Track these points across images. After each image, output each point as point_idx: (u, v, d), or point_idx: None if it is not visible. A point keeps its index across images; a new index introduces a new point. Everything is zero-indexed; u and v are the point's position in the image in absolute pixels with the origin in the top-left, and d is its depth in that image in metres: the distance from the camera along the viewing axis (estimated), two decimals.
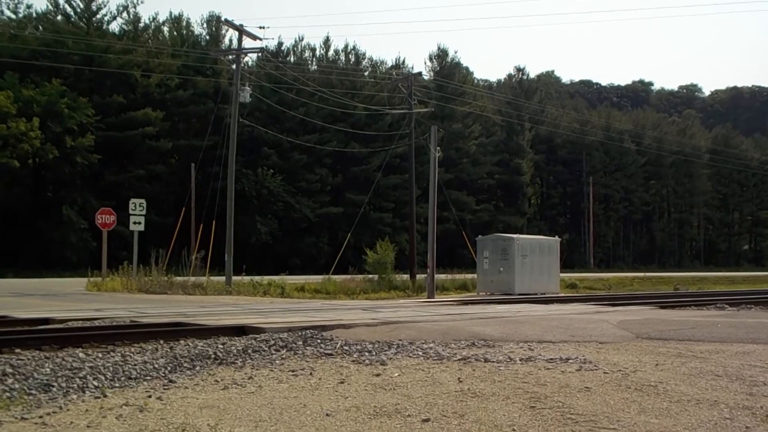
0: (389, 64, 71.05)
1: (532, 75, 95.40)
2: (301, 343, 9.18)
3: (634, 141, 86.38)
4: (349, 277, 32.16)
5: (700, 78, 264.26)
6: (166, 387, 6.47)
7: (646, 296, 26.43)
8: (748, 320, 12.93)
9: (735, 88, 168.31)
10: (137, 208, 28.85)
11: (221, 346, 8.75)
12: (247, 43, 30.63)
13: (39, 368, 7.02)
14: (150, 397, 6.03)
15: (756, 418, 5.32)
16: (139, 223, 28.66)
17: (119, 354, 8.14)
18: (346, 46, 69.13)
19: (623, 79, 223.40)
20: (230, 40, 58.84)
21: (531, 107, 76.61)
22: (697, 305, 18.86)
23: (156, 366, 7.44)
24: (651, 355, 8.38)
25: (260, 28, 49.12)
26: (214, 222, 32.03)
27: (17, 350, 8.14)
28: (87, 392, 6.22)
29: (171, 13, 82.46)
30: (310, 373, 7.14)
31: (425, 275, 28.83)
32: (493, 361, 7.81)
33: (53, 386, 6.32)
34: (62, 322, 11.75)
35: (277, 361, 7.90)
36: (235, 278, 28.17)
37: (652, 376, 6.90)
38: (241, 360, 7.98)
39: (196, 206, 41.50)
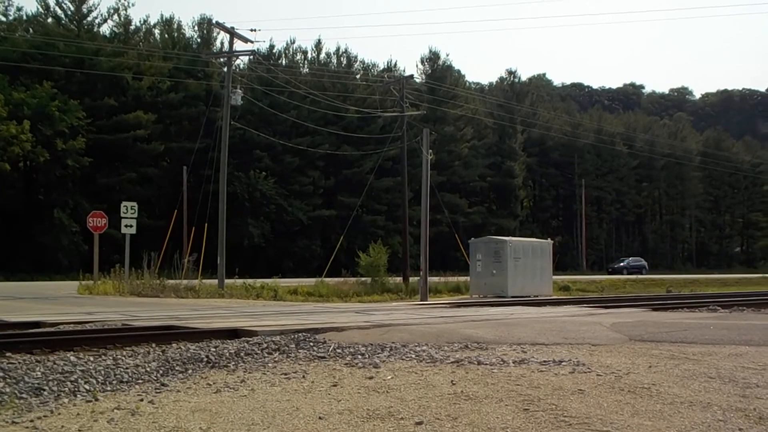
0: (381, 67, 71.15)
1: (524, 78, 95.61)
2: (293, 346, 9.15)
3: (626, 144, 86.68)
4: (341, 279, 32.12)
5: (690, 81, 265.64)
6: (158, 390, 6.44)
7: (638, 298, 26.50)
8: (741, 322, 12.97)
9: (726, 91, 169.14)
10: (129, 211, 28.74)
11: (213, 350, 8.72)
12: (239, 45, 30.73)
13: (30, 372, 6.97)
14: (142, 400, 6.00)
15: (749, 420, 5.33)
16: (131, 226, 28.55)
17: (111, 357, 8.10)
18: (338, 49, 69.22)
19: (614, 82, 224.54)
20: (221, 43, 58.87)
21: (523, 110, 76.78)
22: (690, 307, 18.92)
23: (148, 369, 7.40)
24: (644, 357, 8.39)
25: (251, 30, 48.78)
26: (206, 225, 31.97)
27: (8, 354, 8.09)
28: (78, 396, 6.19)
29: (162, 15, 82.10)
30: (303, 376, 7.12)
31: (418, 278, 28.83)
32: (486, 364, 7.81)
33: (44, 390, 6.28)
34: (53, 325, 11.69)
35: (269, 364, 7.87)
36: (227, 281, 28.11)
37: (645, 379, 6.90)
38: (233, 363, 7.95)
39: (188, 209, 41.38)
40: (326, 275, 33.83)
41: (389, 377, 7.06)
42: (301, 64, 67.27)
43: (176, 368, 7.58)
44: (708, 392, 6.28)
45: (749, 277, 57.10)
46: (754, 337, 10.26)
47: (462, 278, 34.14)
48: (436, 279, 33.91)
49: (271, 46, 63.98)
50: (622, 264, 67.93)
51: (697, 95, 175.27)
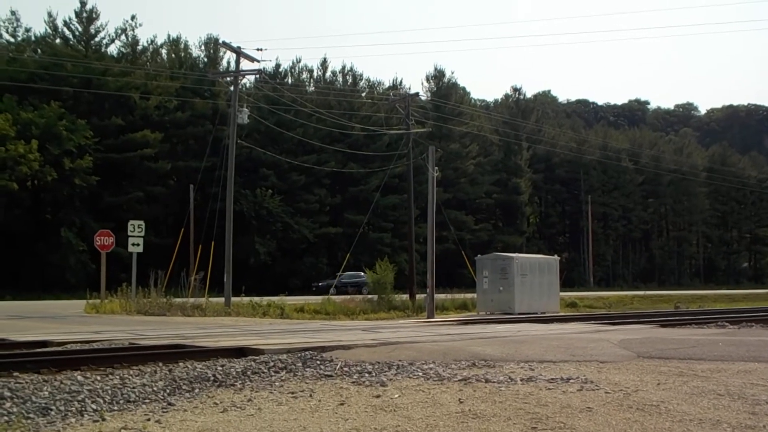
0: (386, 84, 71.40)
1: (529, 95, 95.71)
2: (300, 364, 9.13)
3: (632, 160, 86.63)
4: (348, 297, 32.13)
5: (696, 97, 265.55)
6: (164, 410, 6.43)
7: (646, 315, 26.38)
8: (749, 338, 12.89)
9: (731, 106, 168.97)
10: (136, 229, 28.82)
11: (220, 368, 8.71)
12: (245, 65, 30.82)
13: (37, 391, 6.97)
14: (149, 420, 5.99)
15: None
16: (138, 244, 28.61)
17: (118, 377, 8.09)
18: (344, 67, 69.49)
19: (620, 99, 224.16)
20: (228, 62, 59.17)
21: (528, 127, 76.87)
22: (698, 323, 18.82)
23: (155, 389, 7.40)
24: (652, 374, 8.34)
25: (258, 50, 49.06)
26: (213, 243, 31.97)
27: (15, 373, 8.09)
28: (85, 415, 6.18)
29: (169, 35, 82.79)
30: (310, 395, 7.10)
31: (425, 295, 28.79)
32: (494, 382, 7.77)
33: (51, 410, 6.28)
34: (60, 344, 11.70)
35: (276, 383, 7.85)
36: (234, 299, 28.09)
37: (654, 396, 6.86)
38: (240, 382, 7.93)
39: (195, 227, 41.47)
40: (333, 293, 33.82)
41: (396, 396, 7.03)
42: (307, 83, 67.57)
43: (183, 387, 7.56)
44: (717, 409, 6.24)
45: (757, 292, 56.82)
46: (763, 354, 10.19)
47: (469, 295, 34.09)
48: (442, 296, 33.86)
49: (278, 65, 64.36)
50: (332, 281, 45.98)
51: (703, 111, 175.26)
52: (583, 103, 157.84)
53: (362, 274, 48.92)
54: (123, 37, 57.02)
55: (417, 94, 50.17)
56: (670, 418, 5.91)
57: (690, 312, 29.09)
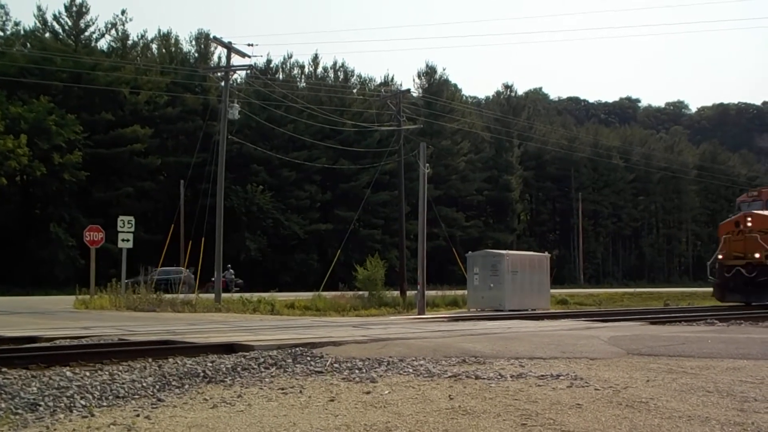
0: (378, 81, 71.49)
1: (520, 92, 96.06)
2: (290, 360, 9.12)
3: (622, 157, 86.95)
4: (339, 293, 32.14)
5: (686, 95, 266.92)
6: (154, 406, 6.41)
7: (636, 312, 26.46)
8: (738, 336, 12.96)
9: (722, 104, 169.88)
10: (126, 225, 28.70)
11: (210, 364, 8.68)
12: (236, 60, 30.75)
13: (26, 387, 6.94)
14: (138, 416, 5.96)
15: None
16: (128, 240, 28.50)
17: (107, 372, 8.06)
18: (335, 64, 69.57)
19: (611, 96, 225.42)
20: (219, 58, 59.09)
21: (519, 124, 77.03)
22: (687, 321, 18.89)
23: (144, 384, 7.36)
24: (642, 371, 8.37)
25: (249, 45, 49.66)
26: (203, 239, 31.91)
27: (3, 369, 8.04)
28: (74, 411, 6.15)
29: (159, 30, 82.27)
30: (300, 391, 7.09)
31: (415, 292, 28.82)
32: (484, 378, 7.78)
33: (40, 405, 6.25)
34: (49, 340, 11.64)
35: (266, 379, 7.84)
36: (224, 295, 28.05)
37: (644, 393, 6.88)
38: (230, 378, 7.91)
39: (185, 223, 41.38)
40: (323, 289, 33.81)
41: (386, 392, 7.03)
42: (298, 79, 67.52)
43: (173, 383, 7.54)
44: (706, 406, 6.26)
45: None
46: (752, 351, 10.24)
47: (459, 292, 34.11)
48: (433, 293, 33.87)
49: (269, 61, 64.33)
50: (140, 278, 29.71)
51: (693, 109, 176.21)
52: (574, 101, 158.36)
53: (182, 269, 40.49)
54: (113, 31, 56.98)
55: (408, 90, 50.28)
56: (659, 414, 5.92)
57: (679, 309, 29.18)
